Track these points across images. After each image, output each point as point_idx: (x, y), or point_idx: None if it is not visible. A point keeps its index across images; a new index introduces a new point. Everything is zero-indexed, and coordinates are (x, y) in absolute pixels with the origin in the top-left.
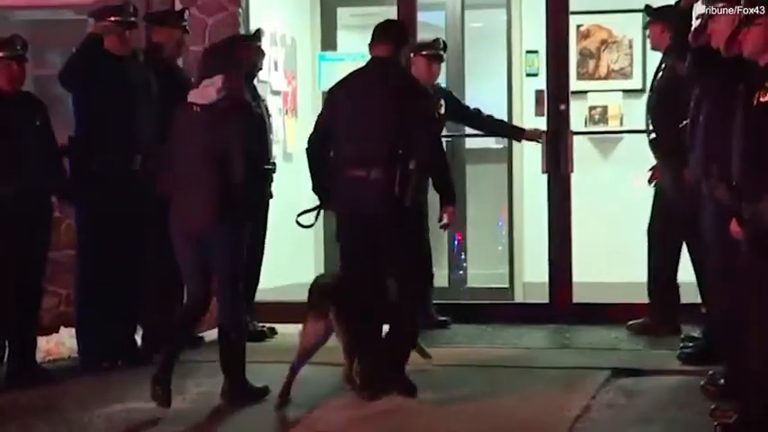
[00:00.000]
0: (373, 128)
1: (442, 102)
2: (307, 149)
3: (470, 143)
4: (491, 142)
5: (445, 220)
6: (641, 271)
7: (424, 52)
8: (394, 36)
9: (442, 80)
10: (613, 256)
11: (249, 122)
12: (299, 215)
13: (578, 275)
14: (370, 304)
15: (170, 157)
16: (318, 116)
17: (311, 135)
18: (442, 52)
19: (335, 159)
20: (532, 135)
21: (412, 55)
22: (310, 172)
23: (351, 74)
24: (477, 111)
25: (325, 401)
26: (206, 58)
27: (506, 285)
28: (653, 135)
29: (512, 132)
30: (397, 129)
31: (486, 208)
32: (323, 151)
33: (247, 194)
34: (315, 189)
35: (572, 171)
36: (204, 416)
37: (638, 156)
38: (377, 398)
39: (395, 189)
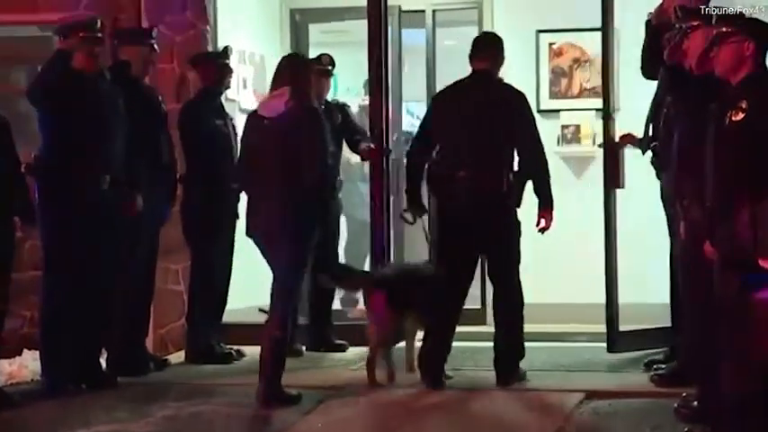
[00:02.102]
0: (480, 135)
1: (339, 116)
2: (407, 155)
3: None
4: None
5: (542, 224)
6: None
7: (319, 66)
8: (492, 49)
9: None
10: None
11: (320, 130)
12: (402, 212)
13: (551, 297)
14: (455, 299)
15: (244, 169)
16: (422, 124)
17: (413, 142)
18: (330, 67)
19: (441, 164)
20: (363, 153)
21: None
22: (408, 177)
23: (453, 84)
24: (357, 131)
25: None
26: (277, 71)
27: (479, 306)
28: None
29: (355, 149)
30: (502, 135)
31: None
32: (424, 158)
33: (313, 204)
34: (410, 193)
35: None
36: None
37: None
38: (439, 387)
39: (502, 192)
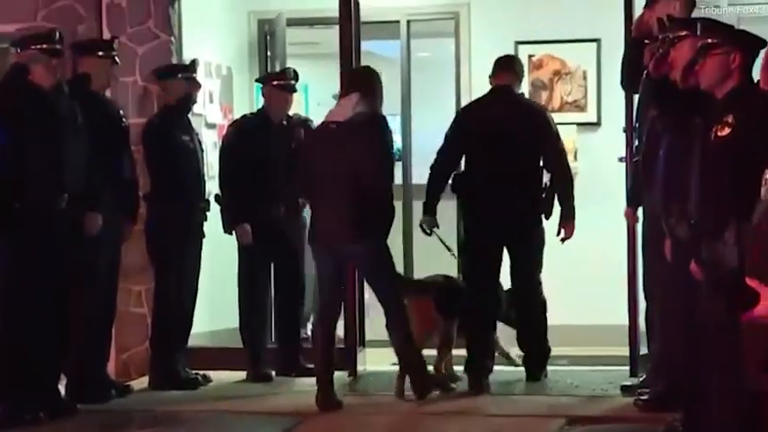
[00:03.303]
0: (508, 147)
1: (302, 131)
2: (431, 168)
3: (417, 178)
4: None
5: (563, 234)
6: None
7: (275, 82)
8: (512, 66)
9: (394, 108)
10: (572, 299)
11: (386, 135)
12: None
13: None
14: (488, 303)
15: (308, 175)
16: (447, 139)
17: (438, 156)
18: (293, 82)
19: (469, 176)
20: None
21: (262, 86)
22: (428, 189)
23: (477, 100)
24: None
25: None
26: (346, 80)
27: None
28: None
29: None
30: (529, 147)
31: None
32: (449, 171)
33: (385, 207)
34: (427, 205)
35: None
36: None
37: (595, 190)
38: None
39: (532, 202)
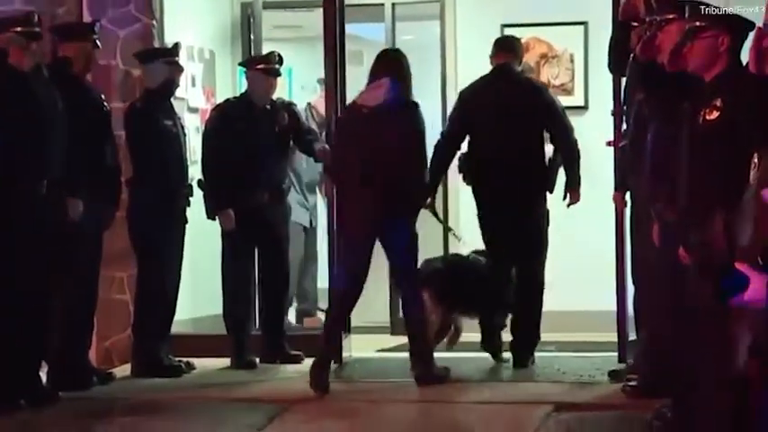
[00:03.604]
0: (512, 124)
1: (286, 115)
2: (435, 149)
3: None
4: None
5: (569, 200)
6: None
7: (259, 66)
8: (512, 45)
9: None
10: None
11: (421, 121)
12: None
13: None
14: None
15: (339, 159)
16: (451, 121)
17: (441, 138)
18: (277, 66)
19: (474, 155)
20: (320, 154)
21: (246, 70)
22: (432, 170)
23: (482, 78)
24: (308, 131)
25: None
26: (375, 63)
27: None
28: None
29: (309, 151)
30: (533, 122)
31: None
32: (452, 152)
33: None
34: (430, 185)
35: None
36: None
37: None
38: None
39: (536, 178)
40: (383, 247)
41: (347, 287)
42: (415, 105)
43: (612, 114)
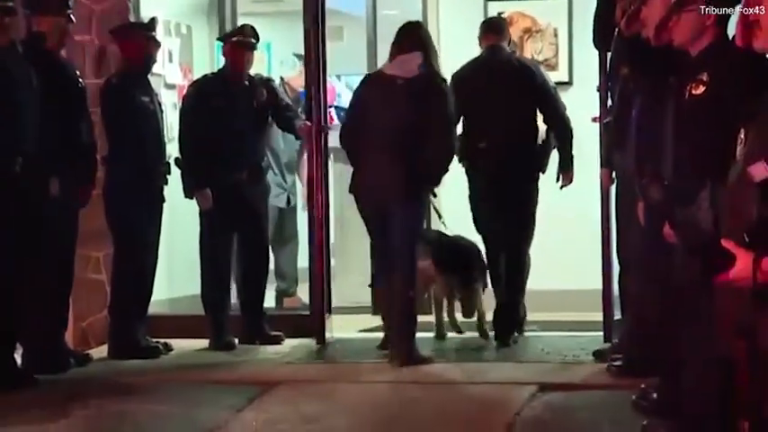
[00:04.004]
0: (506, 104)
1: (264, 91)
2: None
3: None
4: None
5: (562, 181)
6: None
7: (233, 39)
8: (502, 27)
9: (360, 68)
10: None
11: (451, 103)
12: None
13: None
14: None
15: (353, 129)
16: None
17: None
18: (252, 39)
19: (470, 136)
20: (302, 131)
21: (222, 45)
22: None
23: (473, 62)
24: (287, 107)
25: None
26: (402, 36)
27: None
28: None
29: (290, 128)
30: (527, 103)
31: (353, 211)
32: None
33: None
34: None
35: None
36: None
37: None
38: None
39: (529, 158)
40: (390, 218)
41: (379, 257)
42: (445, 80)
43: (598, 90)
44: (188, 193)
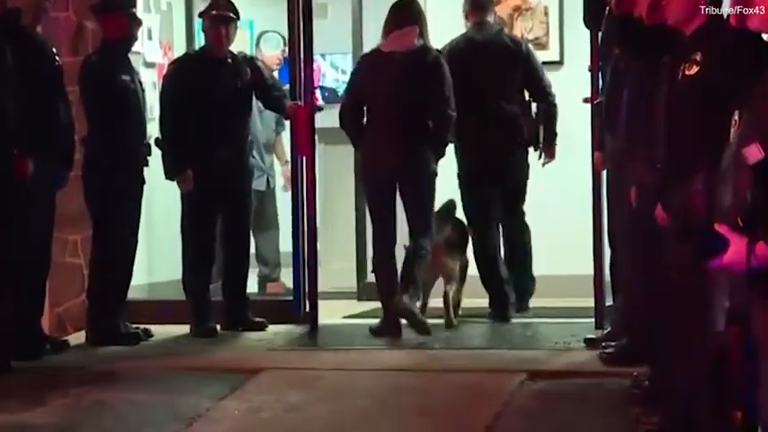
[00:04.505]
0: (497, 82)
1: (248, 70)
2: None
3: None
4: None
5: (544, 158)
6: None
7: (213, 12)
8: (487, 2)
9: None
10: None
11: (447, 70)
12: None
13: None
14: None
15: (355, 103)
16: None
17: None
18: (231, 14)
19: (458, 111)
20: (291, 111)
21: (203, 20)
22: None
23: (461, 37)
24: (274, 86)
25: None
26: (396, 12)
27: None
28: None
29: (279, 107)
30: (517, 80)
31: (338, 194)
32: None
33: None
34: None
35: None
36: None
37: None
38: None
39: (522, 128)
40: (401, 190)
41: (382, 231)
42: (442, 52)
43: (590, 70)
44: (169, 175)
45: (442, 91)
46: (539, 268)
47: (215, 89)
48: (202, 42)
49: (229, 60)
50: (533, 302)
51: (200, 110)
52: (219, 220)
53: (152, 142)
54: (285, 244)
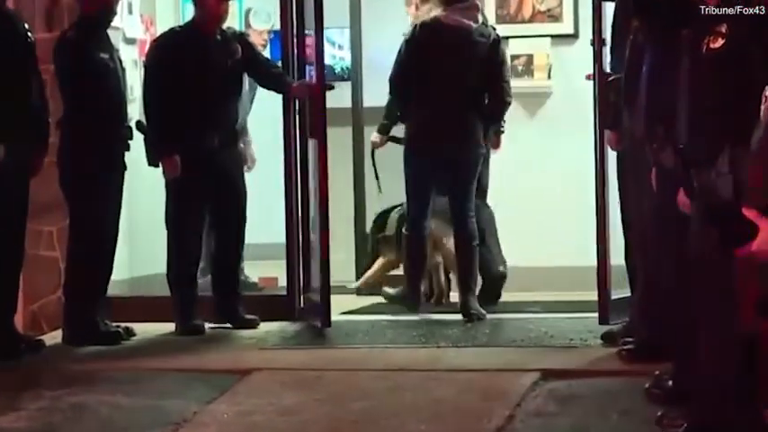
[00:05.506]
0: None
1: (239, 47)
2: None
3: (369, 101)
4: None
5: (492, 147)
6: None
7: None
8: None
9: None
10: (540, 237)
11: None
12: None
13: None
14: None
15: (409, 75)
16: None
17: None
18: None
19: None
20: (297, 91)
21: None
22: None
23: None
24: (268, 62)
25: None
26: None
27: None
28: None
29: (280, 86)
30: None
31: (335, 182)
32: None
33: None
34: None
35: None
36: None
37: (571, 113)
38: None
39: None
40: (451, 169)
41: (418, 204)
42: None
43: (592, 44)
44: (152, 160)
45: (501, 72)
46: (535, 260)
47: (204, 67)
48: (188, 17)
49: (218, 37)
50: (534, 296)
51: (188, 90)
52: (209, 207)
53: (133, 125)
54: (276, 235)
